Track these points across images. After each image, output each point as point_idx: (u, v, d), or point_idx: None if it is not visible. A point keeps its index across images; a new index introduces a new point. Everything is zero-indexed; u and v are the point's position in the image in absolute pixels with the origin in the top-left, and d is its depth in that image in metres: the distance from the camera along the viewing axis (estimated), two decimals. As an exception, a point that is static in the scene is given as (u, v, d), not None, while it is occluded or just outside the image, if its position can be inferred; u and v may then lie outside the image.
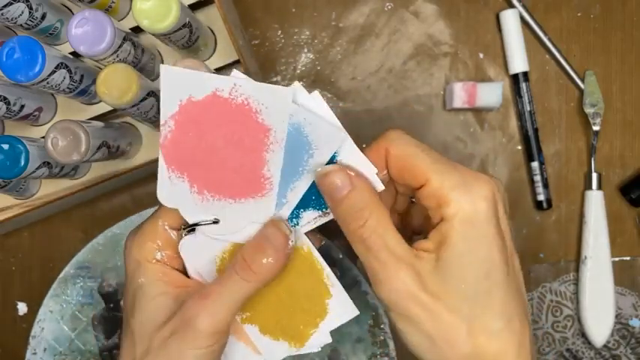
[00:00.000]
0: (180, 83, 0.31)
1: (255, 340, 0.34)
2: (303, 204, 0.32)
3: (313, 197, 0.32)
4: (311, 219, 0.33)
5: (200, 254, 0.33)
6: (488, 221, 0.29)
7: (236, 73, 0.31)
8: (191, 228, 0.33)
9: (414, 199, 0.36)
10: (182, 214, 0.32)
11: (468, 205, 0.29)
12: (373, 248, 0.29)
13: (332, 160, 0.31)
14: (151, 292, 0.32)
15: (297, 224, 0.33)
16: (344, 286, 0.33)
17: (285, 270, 0.32)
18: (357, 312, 0.33)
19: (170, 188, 0.32)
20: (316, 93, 0.32)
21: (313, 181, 0.32)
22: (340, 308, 0.33)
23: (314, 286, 0.33)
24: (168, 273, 0.32)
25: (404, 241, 0.30)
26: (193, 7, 0.47)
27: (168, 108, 0.31)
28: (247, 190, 0.32)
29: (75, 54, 0.44)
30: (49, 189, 0.51)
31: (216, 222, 0.32)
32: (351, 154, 0.31)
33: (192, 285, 0.33)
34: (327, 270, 0.33)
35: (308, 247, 0.33)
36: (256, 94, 0.31)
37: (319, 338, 0.34)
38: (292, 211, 0.32)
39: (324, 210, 0.32)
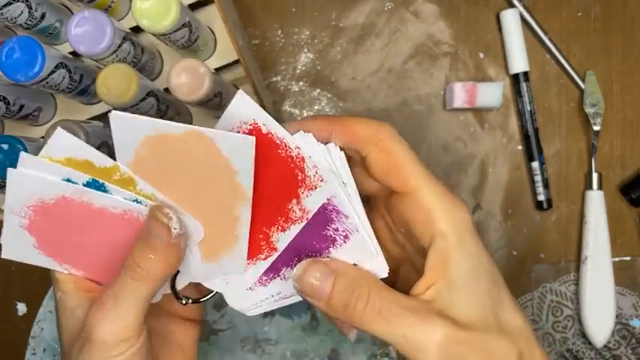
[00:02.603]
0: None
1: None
2: None
3: None
4: None
5: None
6: (475, 232, 0.29)
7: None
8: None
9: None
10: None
11: (461, 218, 0.28)
12: (396, 318, 0.27)
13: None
14: (69, 305, 0.31)
15: None
16: None
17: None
18: None
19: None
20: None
21: None
22: None
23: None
24: (79, 280, 0.31)
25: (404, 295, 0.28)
26: (193, 7, 0.47)
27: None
28: None
29: (74, 54, 0.44)
30: (48, 189, 0.51)
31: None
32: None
33: (100, 289, 0.31)
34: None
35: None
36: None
37: None
38: None
39: None
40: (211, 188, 0.30)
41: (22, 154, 0.29)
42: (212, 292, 0.33)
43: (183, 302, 0.33)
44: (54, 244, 0.31)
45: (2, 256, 0.31)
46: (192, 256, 0.31)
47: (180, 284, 0.33)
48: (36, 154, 0.42)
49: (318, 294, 0.28)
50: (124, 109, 0.42)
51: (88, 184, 0.30)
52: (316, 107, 0.54)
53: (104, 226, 0.30)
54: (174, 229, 0.29)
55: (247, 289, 0.33)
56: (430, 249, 0.28)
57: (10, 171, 0.29)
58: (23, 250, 0.31)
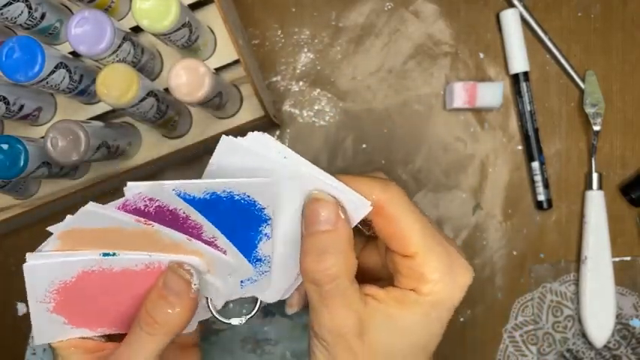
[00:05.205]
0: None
1: None
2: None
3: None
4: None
5: None
6: (453, 308, 0.30)
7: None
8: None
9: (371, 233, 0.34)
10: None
11: (447, 293, 0.29)
12: (327, 296, 0.28)
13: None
14: None
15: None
16: None
17: None
18: None
19: None
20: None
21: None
22: None
23: None
24: (79, 342, 0.32)
25: (357, 285, 0.29)
26: (193, 7, 0.47)
27: None
28: None
29: (74, 54, 0.44)
30: (49, 189, 0.51)
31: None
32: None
33: (108, 347, 0.32)
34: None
35: None
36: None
37: None
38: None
39: None
40: (133, 241, 0.30)
41: (28, 254, 0.30)
42: (257, 300, 0.34)
43: (243, 321, 0.33)
44: (83, 315, 0.31)
45: (35, 343, 0.32)
46: (213, 282, 0.32)
47: (219, 305, 0.33)
48: (36, 154, 0.42)
49: (314, 225, 0.29)
50: (123, 109, 0.42)
51: (105, 254, 0.30)
52: (316, 107, 0.54)
53: (129, 284, 0.31)
54: (195, 284, 0.30)
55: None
56: (397, 287, 0.30)
57: (24, 268, 0.29)
58: (55, 330, 0.31)
